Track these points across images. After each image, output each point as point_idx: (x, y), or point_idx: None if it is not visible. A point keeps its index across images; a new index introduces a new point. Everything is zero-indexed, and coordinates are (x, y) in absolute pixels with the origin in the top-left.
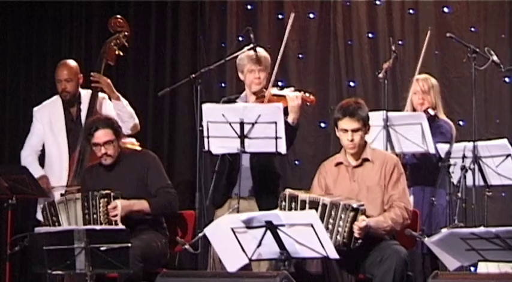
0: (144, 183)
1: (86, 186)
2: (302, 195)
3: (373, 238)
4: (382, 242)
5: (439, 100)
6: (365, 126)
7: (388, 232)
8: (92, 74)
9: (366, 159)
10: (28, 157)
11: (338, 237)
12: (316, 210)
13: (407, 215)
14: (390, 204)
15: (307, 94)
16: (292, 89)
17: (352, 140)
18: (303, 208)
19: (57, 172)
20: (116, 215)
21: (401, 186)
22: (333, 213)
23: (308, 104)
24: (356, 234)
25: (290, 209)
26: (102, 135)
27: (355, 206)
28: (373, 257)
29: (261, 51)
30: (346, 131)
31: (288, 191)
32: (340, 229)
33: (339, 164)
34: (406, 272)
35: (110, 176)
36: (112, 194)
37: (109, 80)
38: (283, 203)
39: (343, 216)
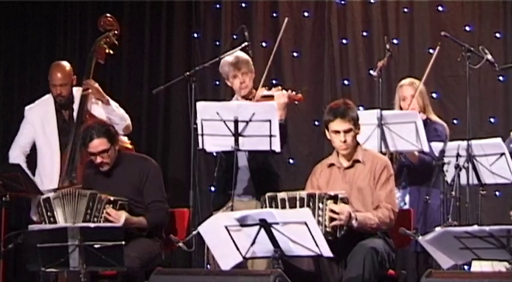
0: (139, 190)
1: (88, 180)
2: (280, 194)
3: (360, 235)
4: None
5: (428, 102)
6: (356, 126)
7: (373, 230)
8: (83, 82)
9: (357, 161)
10: (16, 158)
11: (320, 227)
12: (295, 205)
13: (393, 217)
14: (377, 205)
15: (293, 92)
16: (279, 88)
17: (345, 141)
18: (283, 207)
19: (49, 173)
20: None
21: (389, 187)
22: (311, 205)
23: (296, 102)
24: (333, 216)
25: None
26: (97, 144)
27: (332, 194)
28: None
29: (240, 55)
30: (338, 132)
31: (266, 195)
32: (320, 219)
33: (331, 165)
34: (380, 259)
35: (106, 178)
36: (119, 202)
37: (97, 85)
38: (264, 205)
39: (321, 205)
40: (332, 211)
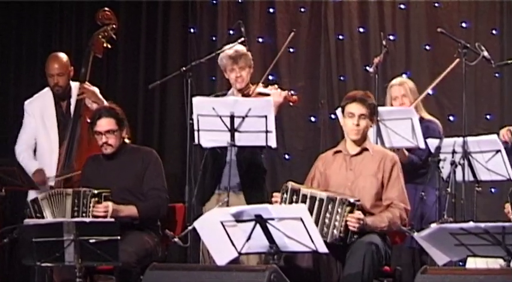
0: (140, 179)
1: (86, 175)
2: (304, 189)
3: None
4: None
5: (419, 100)
6: (371, 117)
7: (383, 231)
8: (80, 85)
9: (366, 149)
10: (22, 152)
11: (335, 231)
12: (314, 205)
13: (405, 216)
14: (389, 204)
15: (290, 93)
16: (276, 86)
17: (357, 125)
18: (303, 202)
19: (48, 166)
20: (105, 217)
21: (400, 186)
22: (329, 207)
23: (291, 103)
24: (350, 226)
25: (291, 201)
26: (104, 123)
27: (351, 200)
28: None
29: (240, 49)
30: (353, 115)
31: (290, 184)
32: (337, 223)
33: (337, 152)
34: (380, 255)
35: (109, 167)
36: (103, 194)
37: (95, 89)
38: (285, 195)
39: (339, 210)
40: (351, 218)
